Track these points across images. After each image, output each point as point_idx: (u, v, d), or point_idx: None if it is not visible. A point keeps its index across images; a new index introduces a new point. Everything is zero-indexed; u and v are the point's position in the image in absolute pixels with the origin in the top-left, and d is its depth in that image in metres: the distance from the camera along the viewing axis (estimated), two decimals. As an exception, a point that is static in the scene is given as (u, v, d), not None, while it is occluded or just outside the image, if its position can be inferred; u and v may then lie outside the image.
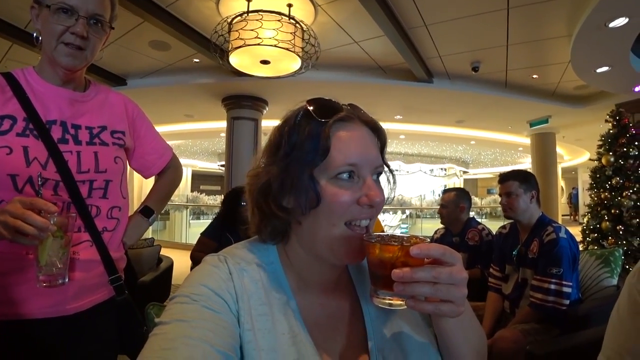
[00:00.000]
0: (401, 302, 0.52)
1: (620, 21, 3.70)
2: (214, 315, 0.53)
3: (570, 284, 1.78)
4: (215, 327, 0.52)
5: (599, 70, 5.02)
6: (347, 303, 0.67)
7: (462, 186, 12.88)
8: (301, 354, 0.56)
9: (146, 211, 1.24)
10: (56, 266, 0.86)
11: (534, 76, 5.77)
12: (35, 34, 1.01)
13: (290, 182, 0.58)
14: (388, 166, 0.65)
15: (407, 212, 11.31)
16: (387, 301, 0.52)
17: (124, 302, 1.08)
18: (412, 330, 0.65)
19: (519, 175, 2.04)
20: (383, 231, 2.78)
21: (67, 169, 0.97)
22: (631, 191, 4.60)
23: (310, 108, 0.59)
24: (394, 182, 0.67)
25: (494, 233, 2.38)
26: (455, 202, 2.64)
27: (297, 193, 0.58)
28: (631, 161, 4.68)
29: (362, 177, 0.59)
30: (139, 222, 1.22)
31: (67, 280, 0.89)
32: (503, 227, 2.24)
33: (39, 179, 0.91)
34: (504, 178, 2.08)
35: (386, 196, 0.63)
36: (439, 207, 2.76)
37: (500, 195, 2.09)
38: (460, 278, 0.50)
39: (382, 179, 0.65)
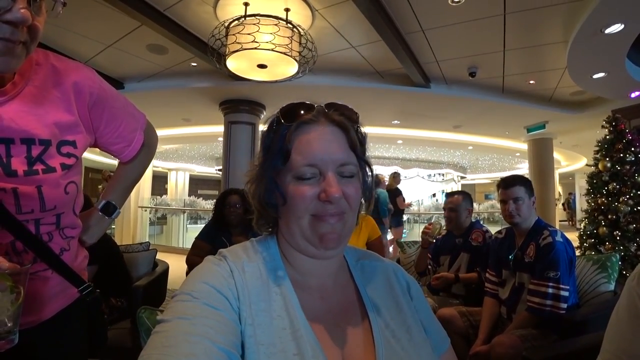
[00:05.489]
0: None
1: (616, 27, 3.72)
2: (215, 312, 0.54)
3: (568, 287, 1.77)
4: (217, 324, 0.53)
5: (595, 76, 5.04)
6: (349, 300, 0.68)
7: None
8: (301, 349, 0.56)
9: (108, 208, 1.06)
10: (4, 326, 0.69)
11: (531, 82, 5.79)
12: None
13: (266, 184, 0.65)
14: (367, 163, 0.68)
15: (405, 216, 11.30)
16: None
17: (92, 301, 0.96)
18: (417, 330, 0.68)
19: (523, 180, 2.03)
20: (375, 228, 2.76)
21: (5, 212, 0.76)
22: (628, 197, 4.59)
23: (279, 114, 0.64)
24: (372, 177, 0.70)
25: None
26: (464, 206, 2.62)
27: (269, 194, 0.65)
28: (627, 167, 4.66)
29: (323, 175, 0.61)
30: (100, 220, 1.06)
31: (16, 340, 0.70)
32: (499, 232, 2.24)
33: None
34: (510, 183, 2.01)
35: (359, 192, 0.65)
36: (446, 210, 2.66)
37: (503, 200, 2.02)
38: None
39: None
